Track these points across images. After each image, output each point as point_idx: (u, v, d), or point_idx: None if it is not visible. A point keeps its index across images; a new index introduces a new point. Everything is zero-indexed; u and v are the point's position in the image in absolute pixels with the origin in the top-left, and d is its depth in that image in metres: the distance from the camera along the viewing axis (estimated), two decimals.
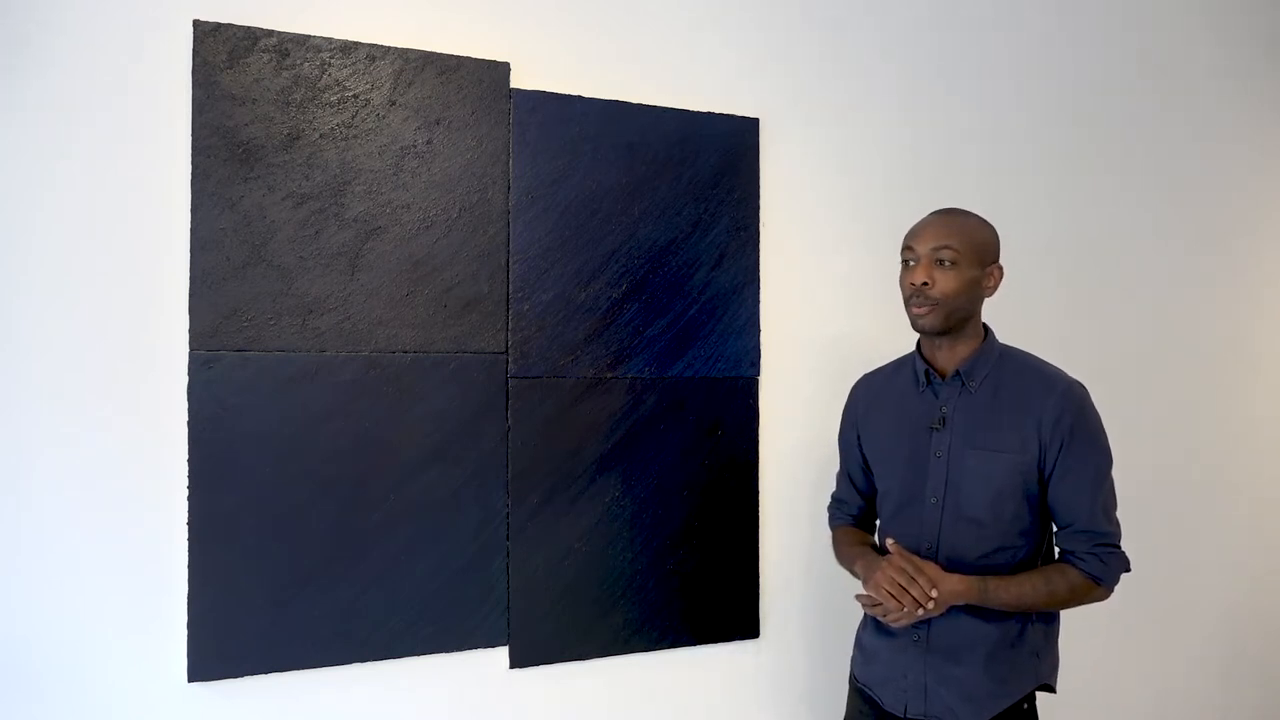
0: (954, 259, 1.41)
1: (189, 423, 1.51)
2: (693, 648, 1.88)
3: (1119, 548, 1.44)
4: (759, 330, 1.93)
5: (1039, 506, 1.46)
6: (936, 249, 1.42)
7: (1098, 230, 2.33)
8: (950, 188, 2.10)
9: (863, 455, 1.63)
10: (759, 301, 1.93)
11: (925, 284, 1.41)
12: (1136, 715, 2.39)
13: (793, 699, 1.99)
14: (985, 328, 1.52)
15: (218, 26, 1.54)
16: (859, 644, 1.62)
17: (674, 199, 1.86)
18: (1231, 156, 2.54)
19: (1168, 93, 2.44)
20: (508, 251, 1.73)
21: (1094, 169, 2.33)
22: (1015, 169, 2.23)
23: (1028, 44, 2.25)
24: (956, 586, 1.39)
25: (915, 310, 1.44)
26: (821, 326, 2.02)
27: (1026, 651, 1.46)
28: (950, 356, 1.49)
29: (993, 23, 2.21)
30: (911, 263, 1.46)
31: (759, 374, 1.93)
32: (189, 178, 1.53)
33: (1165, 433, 2.43)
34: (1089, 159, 2.32)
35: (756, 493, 1.92)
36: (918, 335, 1.54)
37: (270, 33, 1.57)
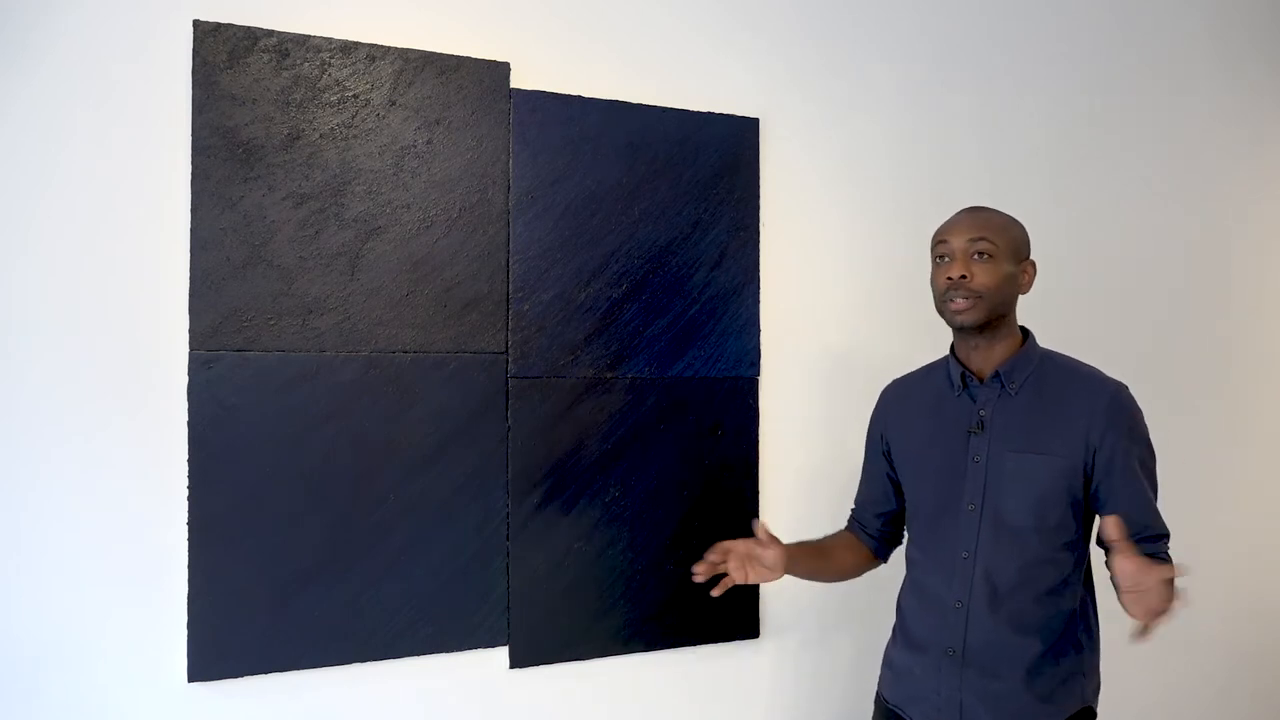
0: (991, 251, 1.37)
1: (189, 423, 1.51)
2: (693, 648, 1.88)
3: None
4: (759, 330, 1.93)
5: (1084, 517, 1.40)
6: (973, 241, 1.37)
7: (1100, 229, 2.33)
8: (951, 187, 2.10)
9: (890, 464, 1.57)
10: (759, 301, 1.93)
11: (964, 277, 1.36)
12: (1137, 714, 2.39)
13: (793, 699, 1.99)
14: (1025, 330, 1.47)
15: (218, 26, 1.54)
16: (888, 662, 1.55)
17: (674, 199, 1.86)
18: (1236, 154, 2.54)
19: (1171, 91, 2.44)
20: (508, 251, 1.73)
21: (1097, 167, 2.33)
22: (1016, 168, 2.22)
23: (1028, 43, 2.25)
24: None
25: (954, 305, 1.37)
26: (822, 326, 2.02)
27: (1072, 669, 1.40)
28: (987, 358, 1.43)
29: (993, 22, 2.21)
30: (946, 258, 1.40)
31: (759, 374, 1.93)
32: (189, 178, 1.53)
33: (1168, 434, 2.42)
34: (1092, 157, 2.32)
35: (756, 493, 1.92)
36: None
37: (270, 33, 1.57)
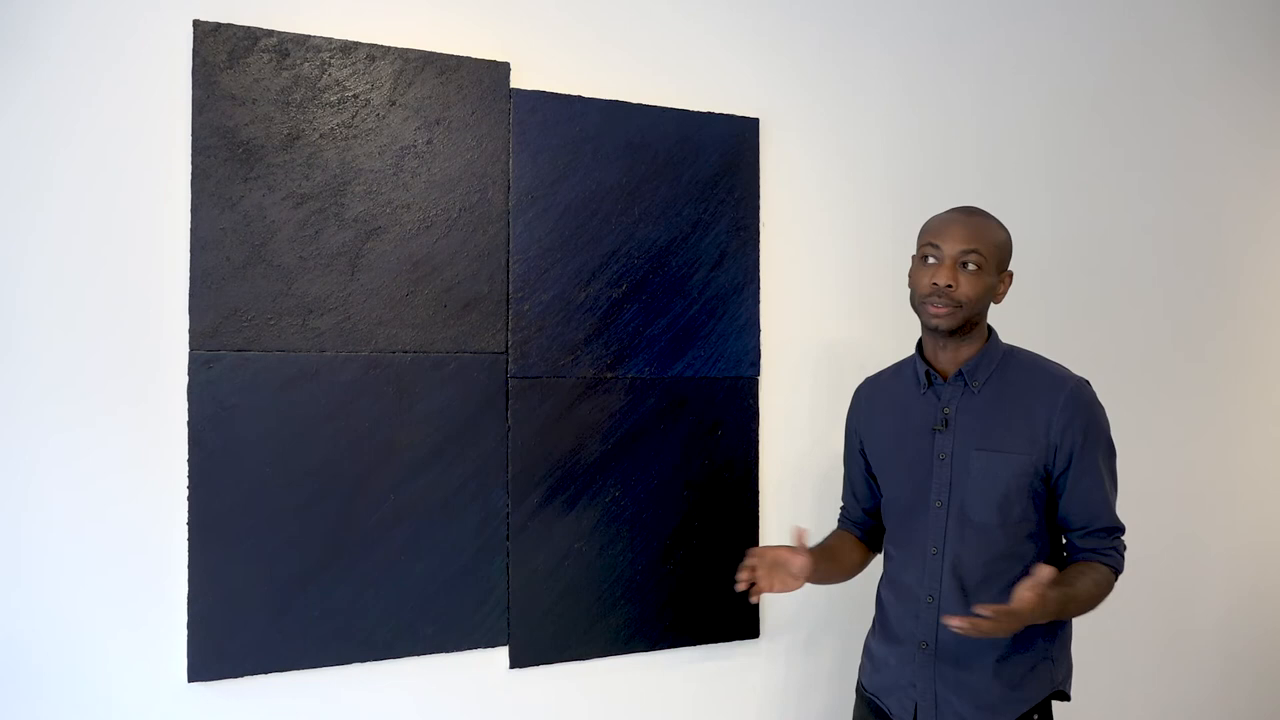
0: (979, 264, 1.39)
1: (189, 423, 1.51)
2: (693, 648, 1.88)
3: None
4: (759, 330, 1.93)
5: (1045, 508, 1.43)
6: (965, 252, 1.39)
7: (1101, 230, 2.33)
8: (950, 187, 2.10)
9: (865, 461, 1.61)
10: (759, 301, 1.93)
11: (950, 286, 1.38)
12: (1136, 709, 2.39)
13: (792, 699, 1.99)
14: (989, 328, 1.50)
15: (218, 26, 1.54)
16: (868, 652, 1.59)
17: (674, 199, 1.86)
18: (1238, 154, 2.54)
19: (1173, 91, 2.44)
20: (508, 251, 1.73)
21: (1098, 168, 2.33)
22: (1017, 168, 2.23)
23: (1029, 43, 2.25)
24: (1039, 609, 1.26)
25: (934, 310, 1.40)
26: (821, 326, 2.02)
27: (1040, 656, 1.43)
28: (953, 357, 1.46)
29: (994, 21, 2.21)
30: (933, 260, 1.41)
31: (759, 374, 1.93)
32: (189, 178, 1.53)
33: (1168, 434, 2.43)
34: (1092, 158, 2.32)
35: (756, 493, 1.92)
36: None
37: (270, 33, 1.57)
